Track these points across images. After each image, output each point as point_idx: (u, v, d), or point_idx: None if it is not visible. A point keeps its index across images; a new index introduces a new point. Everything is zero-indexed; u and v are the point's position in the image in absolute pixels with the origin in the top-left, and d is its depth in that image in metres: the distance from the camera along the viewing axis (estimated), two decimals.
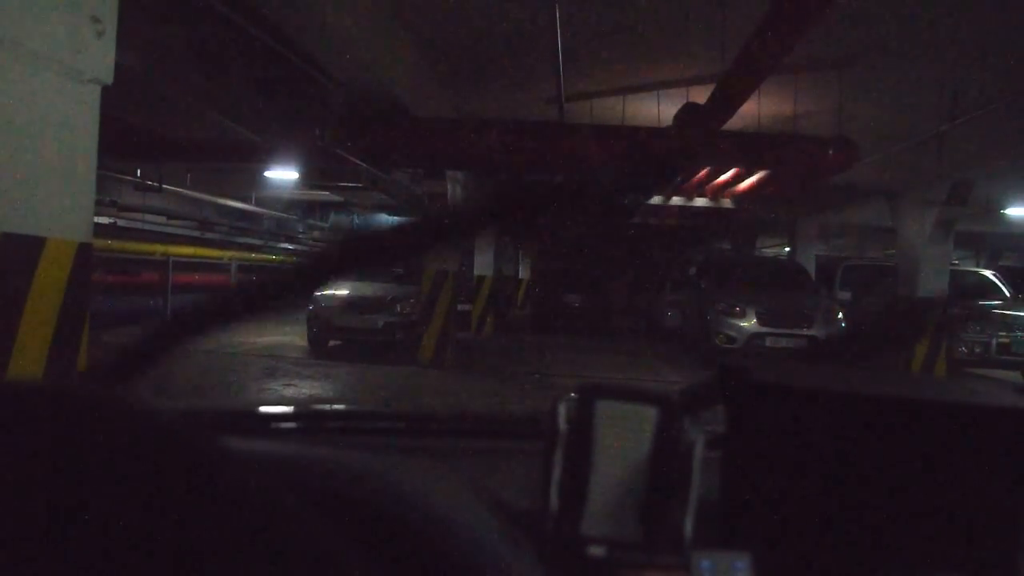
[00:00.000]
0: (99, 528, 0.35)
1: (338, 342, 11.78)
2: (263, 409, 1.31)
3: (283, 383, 8.43)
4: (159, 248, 14.26)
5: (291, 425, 1.21)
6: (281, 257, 20.55)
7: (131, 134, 9.69)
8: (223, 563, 0.36)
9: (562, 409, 0.68)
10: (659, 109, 8.86)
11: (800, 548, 0.67)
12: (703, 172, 11.49)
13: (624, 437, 0.67)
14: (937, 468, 0.66)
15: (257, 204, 17.46)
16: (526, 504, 0.70)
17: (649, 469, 0.67)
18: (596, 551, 0.65)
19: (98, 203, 8.10)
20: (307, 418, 1.29)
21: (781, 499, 0.68)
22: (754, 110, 8.05)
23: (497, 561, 0.56)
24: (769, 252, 23.81)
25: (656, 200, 13.83)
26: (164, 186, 13.08)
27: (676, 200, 13.84)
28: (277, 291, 0.73)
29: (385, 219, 22.24)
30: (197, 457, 0.39)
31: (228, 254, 17.10)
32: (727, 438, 0.71)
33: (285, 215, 19.48)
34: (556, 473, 0.67)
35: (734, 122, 7.71)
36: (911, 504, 0.67)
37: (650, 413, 0.68)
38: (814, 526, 0.67)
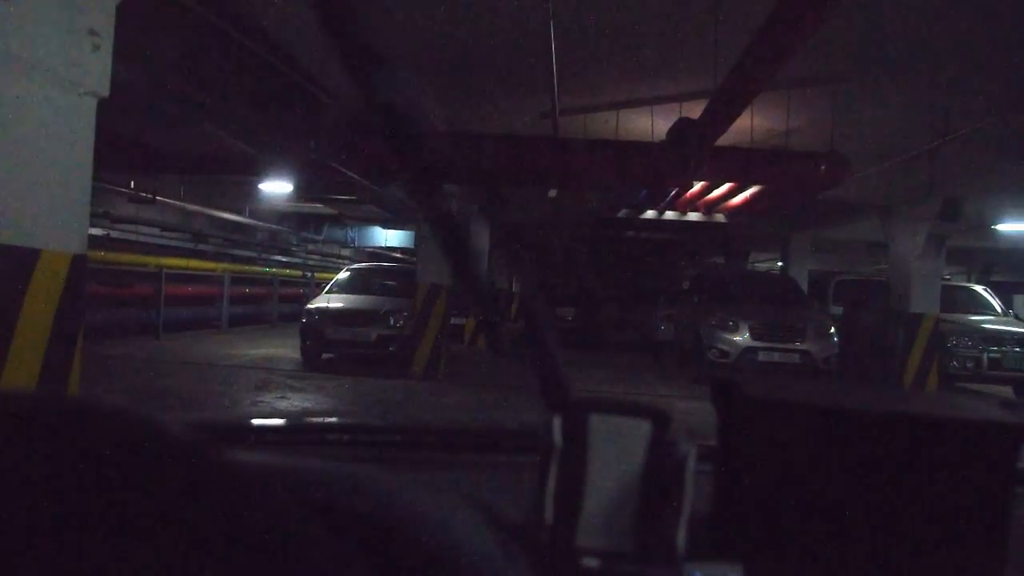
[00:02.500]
0: (107, 538, 0.36)
1: (331, 355, 11.75)
2: (257, 421, 1.32)
3: (276, 395, 8.41)
4: (152, 260, 14.22)
5: (286, 437, 1.22)
6: (274, 269, 20.52)
7: (126, 146, 9.70)
8: (235, 574, 0.37)
9: (557, 422, 0.69)
10: (653, 124, 8.90)
11: (792, 560, 0.68)
12: (697, 187, 11.54)
13: (618, 450, 0.68)
14: (926, 482, 0.67)
15: (251, 216, 17.44)
16: (521, 516, 0.71)
17: (643, 481, 0.67)
18: (590, 562, 0.65)
19: (92, 214, 8.12)
20: (301, 430, 1.29)
21: (773, 512, 0.69)
22: (747, 125, 8.10)
23: (493, 573, 0.57)
24: (762, 266, 23.88)
25: (649, 214, 13.87)
26: (158, 198, 13.08)
27: (669, 214, 13.88)
28: None
29: (379, 232, 22.28)
30: (207, 469, 0.39)
31: (221, 266, 17.06)
32: (720, 451, 0.72)
33: (279, 227, 19.46)
34: (551, 485, 0.68)
35: (727, 137, 7.76)
36: (900, 517, 0.68)
37: (644, 427, 0.68)
38: (806, 539, 0.68)
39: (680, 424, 0.75)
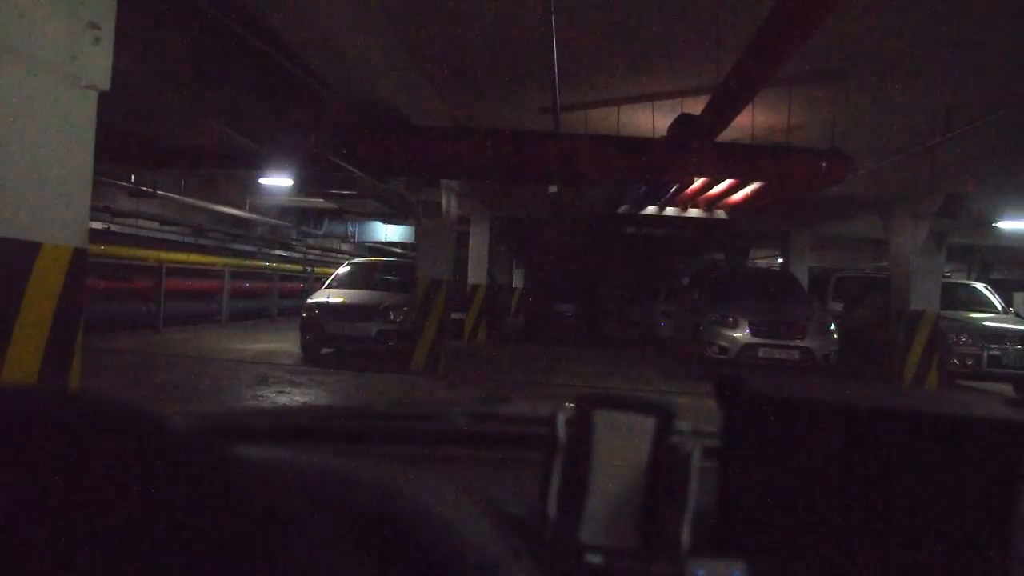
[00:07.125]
0: (108, 533, 0.36)
1: (331, 349, 11.75)
2: (258, 415, 1.31)
3: (276, 390, 8.41)
4: (152, 254, 14.21)
5: (286, 432, 1.21)
6: (275, 264, 20.51)
7: (127, 139, 9.69)
8: (236, 568, 0.36)
9: (561, 418, 0.69)
10: (654, 120, 8.88)
11: (795, 557, 0.68)
12: (697, 183, 11.51)
13: (622, 446, 0.68)
14: (929, 478, 0.67)
15: (251, 211, 17.43)
16: (524, 511, 0.71)
17: (647, 478, 0.67)
18: (594, 559, 0.65)
19: (92, 208, 8.08)
20: (302, 425, 1.29)
21: (777, 508, 0.69)
22: (748, 122, 8.08)
23: (496, 568, 0.57)
24: (762, 263, 23.87)
25: (650, 210, 13.85)
26: (158, 192, 13.07)
27: (670, 211, 13.86)
28: None
29: (380, 227, 22.28)
30: (209, 463, 0.39)
31: (222, 260, 17.05)
32: (724, 448, 0.72)
33: (279, 222, 19.46)
34: (555, 481, 0.68)
35: (728, 133, 7.74)
36: (904, 514, 0.67)
37: (648, 423, 0.68)
38: (809, 535, 0.68)
39: (684, 421, 0.75)
